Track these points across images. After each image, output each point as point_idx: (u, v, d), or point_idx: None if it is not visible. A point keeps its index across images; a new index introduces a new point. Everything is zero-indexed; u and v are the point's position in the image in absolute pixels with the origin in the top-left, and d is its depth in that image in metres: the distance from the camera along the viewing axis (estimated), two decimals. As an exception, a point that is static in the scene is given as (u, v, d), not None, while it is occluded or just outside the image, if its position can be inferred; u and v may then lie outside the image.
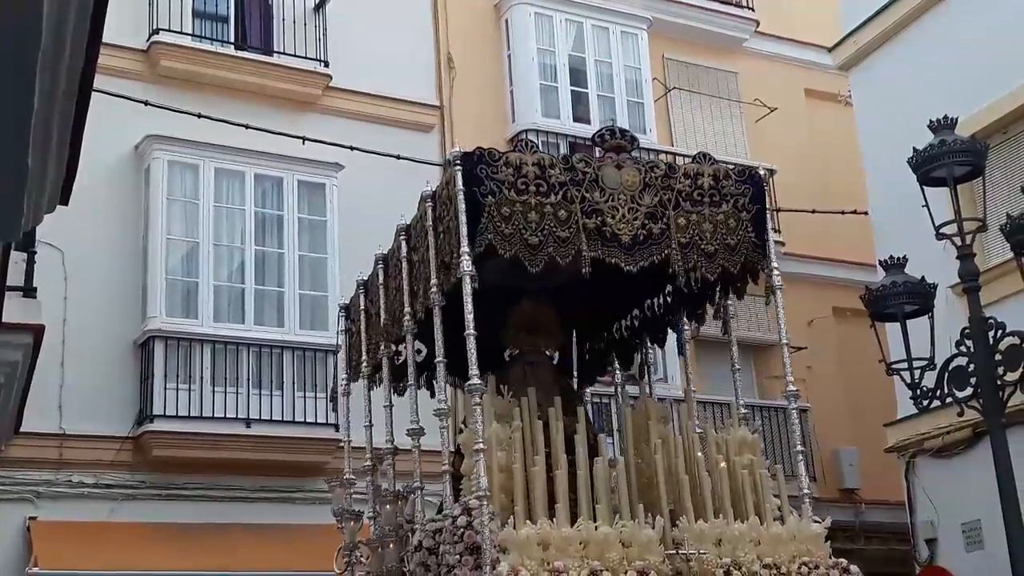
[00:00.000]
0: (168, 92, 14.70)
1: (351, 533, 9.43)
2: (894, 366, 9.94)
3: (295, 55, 15.96)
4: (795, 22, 19.87)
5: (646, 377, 9.73)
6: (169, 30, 15.19)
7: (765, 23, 19.66)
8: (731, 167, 8.41)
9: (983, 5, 13.86)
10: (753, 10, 19.69)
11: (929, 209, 9.69)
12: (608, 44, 17.95)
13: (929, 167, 9.60)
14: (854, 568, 7.74)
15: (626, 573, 6.95)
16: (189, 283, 14.50)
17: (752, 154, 18.18)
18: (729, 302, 8.86)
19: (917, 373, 9.65)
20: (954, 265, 9.68)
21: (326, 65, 16.05)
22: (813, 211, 16.07)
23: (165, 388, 13.89)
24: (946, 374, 9.50)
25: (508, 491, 7.37)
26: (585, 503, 7.32)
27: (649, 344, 9.77)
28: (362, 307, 9.63)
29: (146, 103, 13.70)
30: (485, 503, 7.09)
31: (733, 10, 19.61)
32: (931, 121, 9.76)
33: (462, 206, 7.46)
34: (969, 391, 9.33)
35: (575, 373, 9.89)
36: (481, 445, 7.25)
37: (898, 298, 9.77)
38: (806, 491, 8.10)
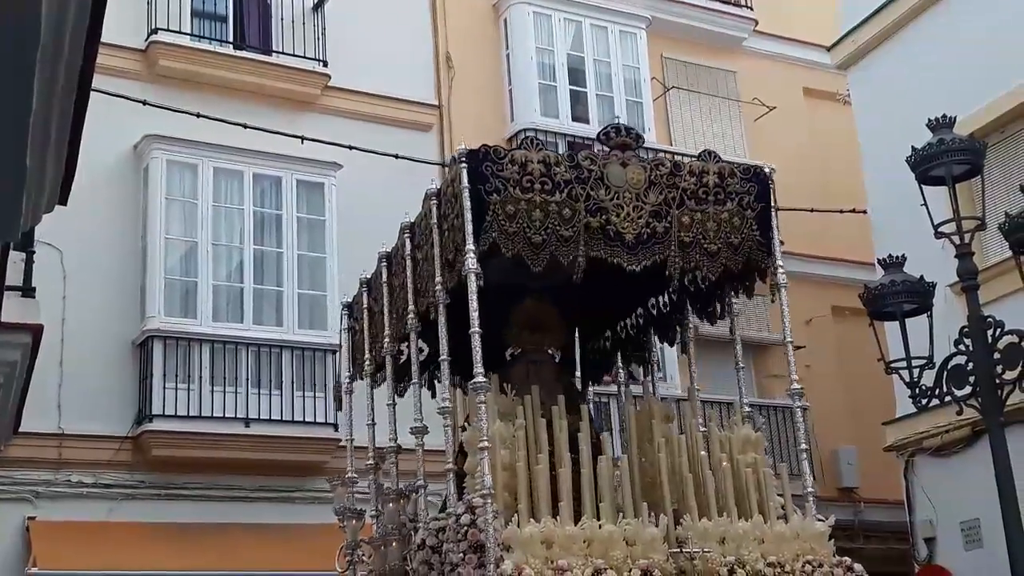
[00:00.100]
0: (167, 92, 14.70)
1: (353, 532, 9.43)
2: (893, 365, 9.95)
3: (294, 55, 15.97)
4: (794, 21, 19.87)
5: (651, 376, 9.73)
6: (168, 30, 15.19)
7: (764, 22, 19.67)
8: (737, 165, 8.40)
9: (981, 5, 13.87)
10: (752, 9, 19.70)
11: (928, 208, 9.70)
12: (607, 43, 17.95)
13: (928, 166, 9.61)
14: (858, 567, 7.74)
15: (630, 571, 6.95)
16: (188, 283, 14.50)
17: (751, 153, 18.17)
18: (734, 301, 8.87)
19: (916, 372, 9.65)
20: (953, 264, 9.68)
21: (325, 65, 16.05)
22: (812, 210, 16.06)
23: (164, 388, 13.89)
24: (945, 373, 9.51)
25: (512, 489, 7.36)
26: (589, 501, 7.31)
27: (657, 342, 9.76)
28: (365, 305, 9.61)
29: (145, 103, 13.70)
30: (489, 501, 7.09)
31: (732, 9, 19.63)
32: (930, 120, 9.76)
33: (467, 204, 7.45)
34: (968, 390, 9.34)
35: (578, 372, 9.89)
36: (486, 443, 7.25)
37: (897, 297, 9.77)
38: (810, 489, 8.10)
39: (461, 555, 7.10)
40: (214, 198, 14.85)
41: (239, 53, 15.94)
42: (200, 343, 14.21)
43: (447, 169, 8.01)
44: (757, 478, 7.95)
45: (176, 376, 13.98)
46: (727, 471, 7.89)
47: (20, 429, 11.69)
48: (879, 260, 10.48)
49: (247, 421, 14.20)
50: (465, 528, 7.13)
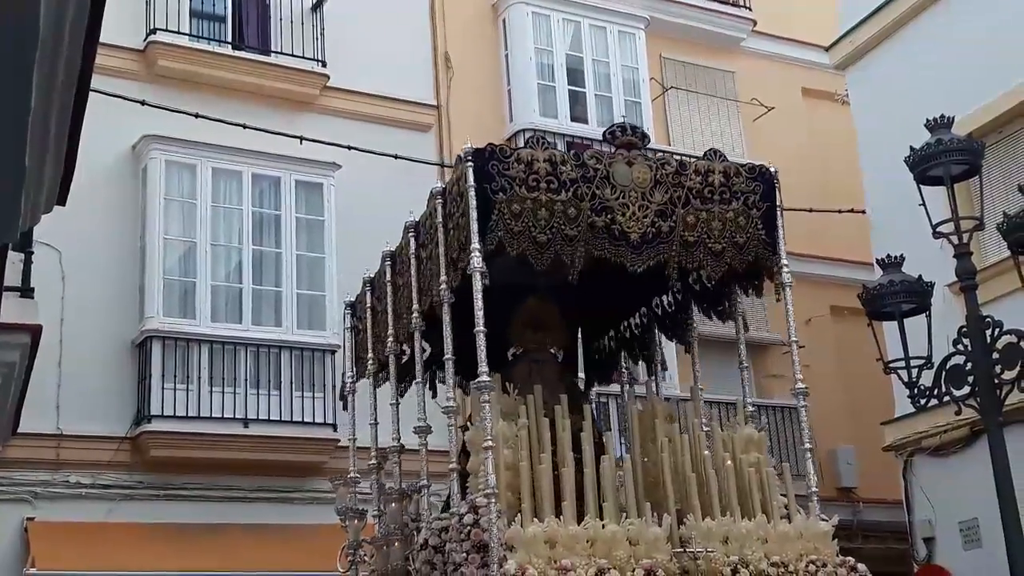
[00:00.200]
0: (165, 92, 14.69)
1: (355, 531, 9.43)
2: (891, 365, 9.95)
3: (292, 55, 15.96)
4: (792, 22, 19.87)
5: (654, 375, 9.73)
6: (166, 30, 15.19)
7: (762, 23, 19.67)
8: (742, 165, 8.40)
9: (980, 5, 13.88)
10: (750, 9, 19.71)
11: (926, 208, 9.70)
12: (606, 44, 17.95)
13: (926, 166, 9.60)
14: (861, 567, 7.75)
15: (633, 571, 6.95)
16: (186, 283, 14.50)
17: (749, 153, 18.17)
18: (739, 300, 8.89)
19: (914, 372, 9.65)
20: (951, 264, 9.68)
21: (324, 65, 16.05)
22: (811, 210, 16.06)
23: (163, 388, 13.89)
24: (943, 373, 9.51)
25: (515, 489, 7.35)
26: (592, 501, 7.31)
27: (660, 342, 9.76)
28: (368, 304, 9.61)
29: (143, 103, 13.69)
30: (493, 501, 7.09)
31: (730, 9, 19.63)
32: (928, 120, 9.77)
33: (473, 202, 7.44)
34: (966, 390, 9.33)
35: (581, 371, 9.89)
36: (490, 443, 7.25)
37: (895, 297, 9.77)
38: (814, 489, 8.11)
39: (464, 555, 7.09)
40: (213, 198, 14.84)
41: (238, 53, 15.94)
42: (199, 343, 14.20)
43: (453, 168, 7.98)
44: (760, 478, 7.95)
45: (175, 376, 13.98)
46: (730, 471, 7.89)
47: (19, 429, 11.68)
48: (878, 260, 10.48)
49: (246, 421, 14.20)
50: (468, 528, 7.12)
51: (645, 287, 8.92)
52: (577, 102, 17.53)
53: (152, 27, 15.16)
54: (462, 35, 17.45)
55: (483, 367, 7.36)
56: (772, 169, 8.32)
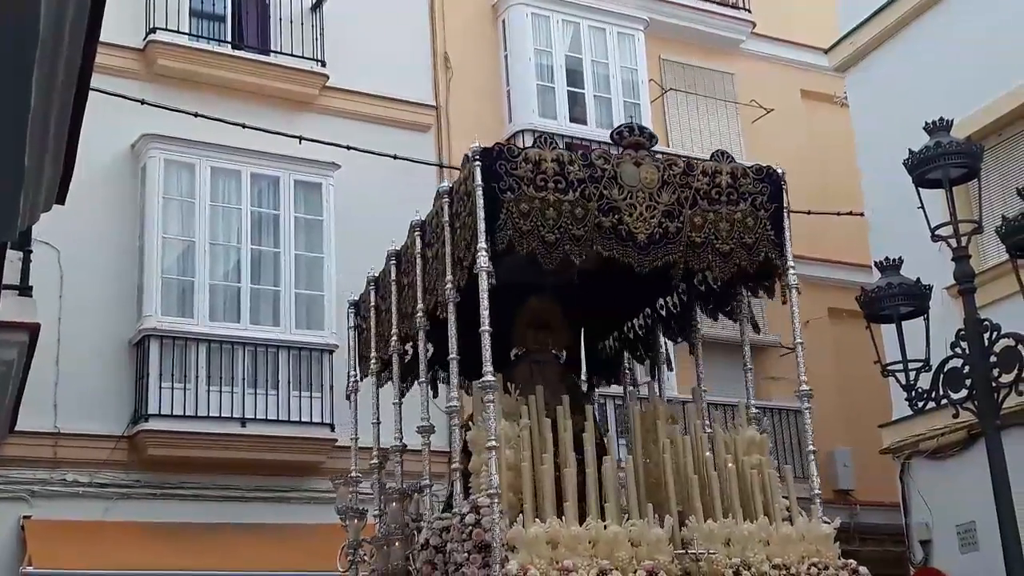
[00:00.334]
0: (165, 91, 14.70)
1: (355, 531, 9.43)
2: (889, 367, 9.93)
3: (292, 55, 15.96)
4: (792, 24, 19.88)
5: (657, 377, 9.73)
6: (166, 29, 15.19)
7: (762, 24, 19.68)
8: (750, 166, 8.41)
9: (979, 7, 13.88)
10: (750, 11, 19.71)
11: (925, 211, 9.69)
12: (605, 45, 17.95)
13: (925, 169, 9.60)
14: (863, 569, 7.75)
15: (635, 572, 6.95)
16: (185, 282, 14.49)
17: (748, 155, 18.16)
18: (740, 302, 8.90)
19: (912, 375, 9.64)
20: (950, 267, 9.67)
21: (323, 65, 16.05)
22: (809, 212, 16.06)
23: (160, 387, 13.89)
24: (941, 376, 9.49)
25: (516, 489, 7.35)
26: (594, 502, 7.31)
27: (666, 342, 9.76)
28: (372, 304, 9.61)
29: (143, 102, 13.70)
30: (496, 501, 7.09)
31: (730, 11, 19.63)
32: (927, 123, 9.76)
33: (480, 202, 7.44)
34: (964, 393, 9.32)
35: (584, 372, 9.90)
36: (493, 442, 7.24)
37: (894, 299, 9.76)
38: (817, 491, 8.11)
39: (466, 555, 7.09)
40: (211, 198, 14.84)
41: (237, 53, 15.94)
42: (197, 343, 14.20)
43: (460, 167, 7.98)
44: (762, 480, 7.95)
45: (172, 376, 13.97)
46: (732, 472, 7.89)
47: (16, 428, 11.71)
48: (876, 262, 10.47)
49: (244, 421, 14.20)
50: (470, 528, 7.13)
51: (649, 288, 8.92)
52: (576, 103, 17.53)
53: (152, 26, 15.16)
54: (462, 36, 17.46)
55: (488, 367, 7.36)
56: (780, 171, 8.33)
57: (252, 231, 15.01)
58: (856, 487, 17.74)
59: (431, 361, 8.94)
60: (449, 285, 7.82)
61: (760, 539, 7.52)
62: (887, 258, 10.02)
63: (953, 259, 9.56)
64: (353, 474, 9.74)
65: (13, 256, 9.62)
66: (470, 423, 8.08)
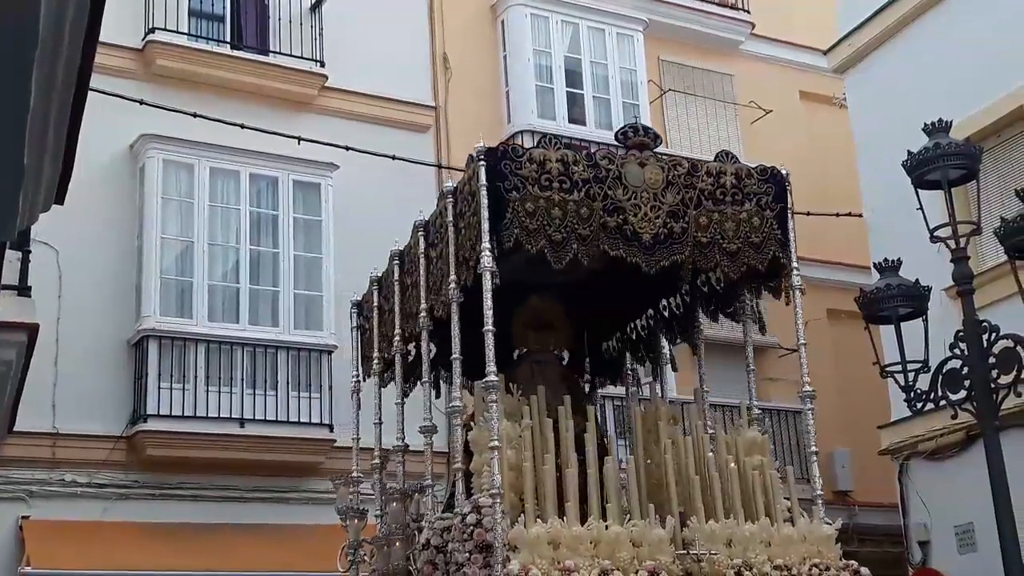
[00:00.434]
0: (163, 91, 14.69)
1: (355, 531, 9.43)
2: (888, 368, 9.94)
3: (291, 55, 15.96)
4: (791, 25, 19.89)
5: (659, 377, 9.74)
6: (165, 29, 15.18)
7: (761, 25, 19.68)
8: (754, 166, 8.43)
9: (979, 8, 13.88)
10: (749, 12, 19.71)
11: (923, 212, 9.69)
12: (604, 46, 17.95)
13: (923, 170, 9.60)
14: (864, 571, 7.75)
15: (637, 573, 6.96)
16: (184, 282, 14.49)
17: (747, 157, 18.06)
18: (743, 302, 8.91)
19: (911, 376, 9.65)
20: (948, 268, 9.68)
21: (322, 65, 16.04)
22: (808, 213, 16.06)
23: (159, 387, 13.88)
24: (940, 377, 9.50)
25: (518, 489, 7.36)
26: (596, 502, 7.31)
27: (668, 343, 9.77)
28: (375, 304, 9.61)
29: (141, 102, 13.68)
30: (498, 500, 7.09)
31: (729, 12, 19.64)
32: (926, 124, 9.77)
33: (484, 202, 7.45)
34: (963, 394, 9.33)
35: (587, 373, 9.91)
36: (495, 442, 7.24)
37: (892, 300, 9.76)
38: (819, 492, 8.12)
39: (467, 555, 7.09)
40: (210, 198, 14.84)
41: (236, 53, 15.93)
42: (196, 343, 14.20)
43: (464, 167, 7.99)
44: (764, 481, 7.95)
45: (171, 376, 13.97)
46: (734, 473, 7.89)
47: (15, 428, 11.70)
48: (875, 264, 10.48)
49: (242, 421, 14.20)
50: (471, 528, 7.13)
51: (651, 289, 8.93)
52: (575, 104, 17.53)
53: (151, 26, 15.16)
54: (461, 36, 17.45)
55: (491, 366, 7.36)
56: (784, 171, 8.35)
57: (251, 231, 15.01)
58: (855, 488, 17.74)
59: (434, 362, 8.95)
60: (453, 285, 7.83)
61: (762, 540, 7.52)
62: (886, 259, 10.02)
63: (952, 260, 9.56)
64: (355, 474, 9.75)
65: (12, 256, 9.63)
66: (471, 423, 8.08)
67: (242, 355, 14.42)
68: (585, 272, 7.84)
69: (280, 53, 15.96)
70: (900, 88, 14.75)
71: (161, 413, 13.83)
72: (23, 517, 13.25)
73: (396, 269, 9.13)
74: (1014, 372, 9.09)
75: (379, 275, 9.63)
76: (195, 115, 13.84)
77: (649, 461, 8.19)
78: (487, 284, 7.38)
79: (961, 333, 9.38)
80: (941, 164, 9.51)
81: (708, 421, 8.67)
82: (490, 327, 7.37)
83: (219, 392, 14.14)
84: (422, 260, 8.51)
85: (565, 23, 17.80)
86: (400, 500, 8.80)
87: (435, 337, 8.62)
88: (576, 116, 17.41)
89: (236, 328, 14.51)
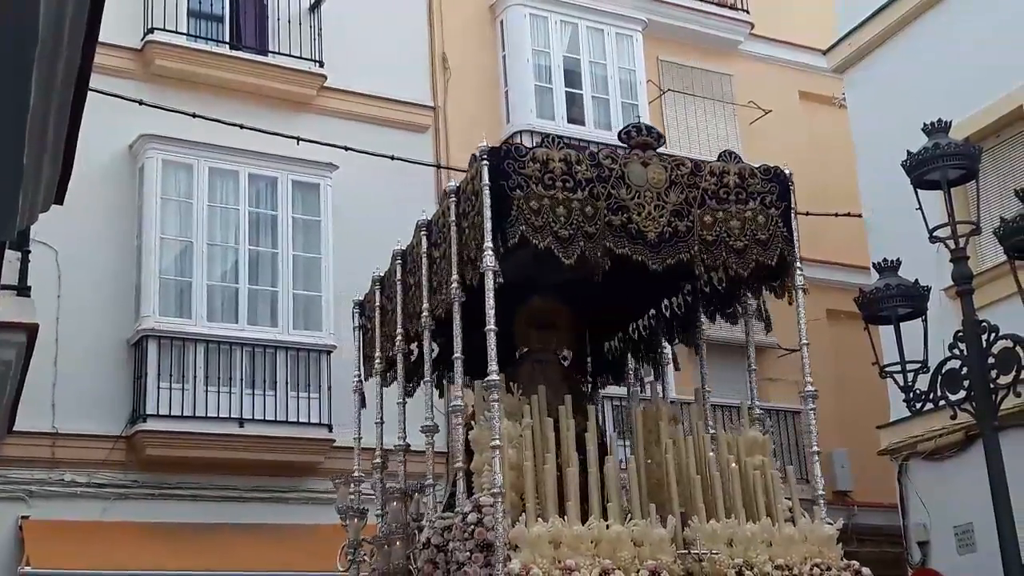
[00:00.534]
0: (163, 91, 14.69)
1: (355, 531, 9.43)
2: (887, 369, 9.95)
3: (290, 55, 15.95)
4: (790, 25, 19.88)
5: (661, 377, 9.75)
6: (164, 29, 15.18)
7: (760, 26, 19.68)
8: (757, 166, 8.45)
9: (978, 8, 13.89)
10: (748, 12, 19.71)
11: (923, 212, 9.70)
12: (603, 46, 17.95)
13: (923, 170, 9.61)
14: (866, 571, 7.76)
15: (638, 572, 6.97)
16: (183, 282, 14.48)
17: (746, 157, 17.92)
18: (743, 303, 8.92)
19: (910, 376, 9.65)
20: (948, 268, 9.68)
21: (321, 65, 16.04)
22: (807, 213, 16.05)
23: (158, 387, 13.88)
24: (939, 377, 9.50)
25: (518, 489, 7.37)
26: (597, 501, 7.32)
27: (669, 343, 9.78)
28: (378, 303, 9.62)
29: (140, 102, 13.68)
30: (500, 500, 7.09)
31: (728, 12, 19.63)
32: (925, 124, 9.77)
33: (487, 200, 7.46)
34: (962, 394, 9.33)
35: (589, 373, 9.91)
36: (497, 441, 7.25)
37: (892, 301, 9.77)
38: (820, 492, 8.12)
39: (468, 554, 7.10)
40: (209, 198, 14.83)
41: (235, 53, 15.92)
42: (195, 343, 14.19)
43: (467, 167, 8.00)
44: (765, 480, 7.95)
45: (171, 376, 13.96)
46: (735, 473, 7.89)
47: (14, 428, 11.68)
48: (874, 264, 10.48)
49: (241, 421, 14.20)
50: (472, 527, 7.13)
51: (653, 289, 8.93)
52: (574, 104, 17.52)
53: (150, 26, 15.15)
54: (460, 36, 17.45)
55: (493, 366, 7.37)
56: (787, 171, 8.38)
57: (250, 231, 15.00)
58: (854, 488, 17.74)
59: (436, 361, 8.95)
60: (455, 284, 7.83)
61: (763, 540, 7.53)
62: (885, 259, 10.03)
63: (951, 260, 9.57)
64: (356, 474, 9.76)
65: (11, 256, 9.62)
66: (472, 422, 8.09)
67: (241, 355, 14.42)
68: (587, 271, 7.84)
69: (279, 53, 15.95)
70: (900, 88, 14.75)
71: (160, 413, 13.82)
72: (23, 517, 13.25)
73: (398, 269, 9.14)
74: (1013, 372, 9.09)
75: (381, 275, 9.63)
76: (194, 115, 13.84)
77: (650, 461, 8.19)
78: (489, 283, 7.40)
79: (960, 333, 9.38)
80: (940, 164, 9.51)
81: (709, 421, 8.67)
82: (492, 326, 7.37)
83: (218, 392, 14.14)
84: (424, 260, 8.52)
85: (564, 23, 17.79)
86: (400, 499, 8.81)
87: (438, 336, 8.63)
88: (575, 116, 17.41)
89: (235, 328, 14.51)
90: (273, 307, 14.87)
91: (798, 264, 8.29)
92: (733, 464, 7.95)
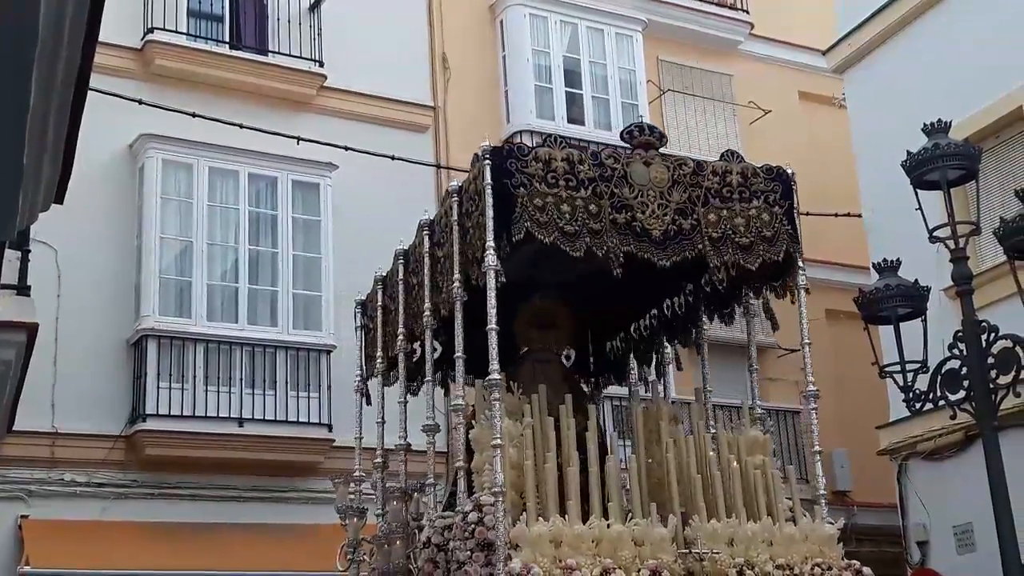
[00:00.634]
0: (162, 91, 14.70)
1: (354, 530, 9.43)
2: (887, 369, 9.95)
3: (290, 55, 15.95)
4: (790, 25, 19.88)
5: (662, 377, 9.75)
6: (164, 29, 15.18)
7: (760, 26, 19.69)
8: (760, 166, 8.46)
9: (978, 8, 13.89)
10: (748, 13, 19.71)
11: (923, 212, 9.70)
12: (603, 46, 17.95)
13: (922, 170, 9.61)
14: (867, 570, 7.76)
15: (639, 571, 6.97)
16: (183, 282, 14.49)
17: (746, 156, 17.93)
18: (744, 303, 8.93)
19: (910, 376, 9.65)
20: (947, 268, 9.68)
21: (321, 65, 16.04)
22: (807, 213, 16.03)
23: (158, 387, 13.88)
24: (939, 377, 9.50)
25: (519, 488, 7.37)
26: (597, 501, 7.32)
27: (669, 344, 9.78)
28: (380, 303, 9.62)
29: (140, 102, 13.70)
30: (500, 499, 7.09)
31: (728, 12, 19.64)
32: (925, 124, 9.77)
33: (490, 200, 7.47)
34: (962, 394, 9.33)
35: (591, 373, 9.91)
36: (498, 440, 7.25)
37: (891, 301, 9.76)
38: (822, 492, 8.13)
39: (468, 553, 7.10)
40: (209, 198, 14.83)
41: (235, 53, 15.92)
42: (195, 342, 14.19)
43: (469, 167, 8.01)
44: (765, 480, 7.95)
45: (170, 375, 13.96)
46: (735, 472, 7.89)
47: (14, 427, 11.68)
48: (874, 264, 10.48)
49: (241, 421, 14.20)
50: (473, 526, 7.14)
51: (654, 289, 8.94)
52: (574, 104, 17.52)
53: (150, 26, 15.15)
54: (459, 36, 17.45)
55: (494, 365, 7.37)
56: (790, 171, 8.39)
57: (250, 231, 15.01)
58: (853, 488, 17.74)
59: (438, 361, 8.96)
60: (457, 283, 7.84)
61: (763, 539, 7.53)
62: (885, 259, 10.03)
63: (951, 260, 9.57)
64: (357, 473, 9.77)
65: (11, 256, 9.61)
66: (473, 421, 8.09)
67: (241, 355, 14.42)
68: (590, 272, 7.85)
69: (279, 53, 15.96)
70: (899, 88, 14.75)
71: (160, 413, 13.82)
72: (22, 516, 13.25)
73: (401, 268, 9.15)
74: (1013, 372, 9.09)
75: (383, 274, 9.64)
76: (194, 115, 13.85)
77: (651, 460, 8.19)
78: (491, 282, 7.40)
79: (960, 333, 9.38)
80: (940, 164, 9.51)
81: (710, 420, 8.67)
82: (493, 325, 7.38)
83: (218, 392, 14.14)
84: (427, 259, 8.53)
85: (564, 23, 17.79)
86: (400, 499, 8.81)
87: (440, 336, 8.63)
88: (575, 116, 17.41)
89: (235, 328, 14.51)
90: (273, 307, 14.87)
91: (801, 265, 8.30)
92: (734, 463, 7.94)
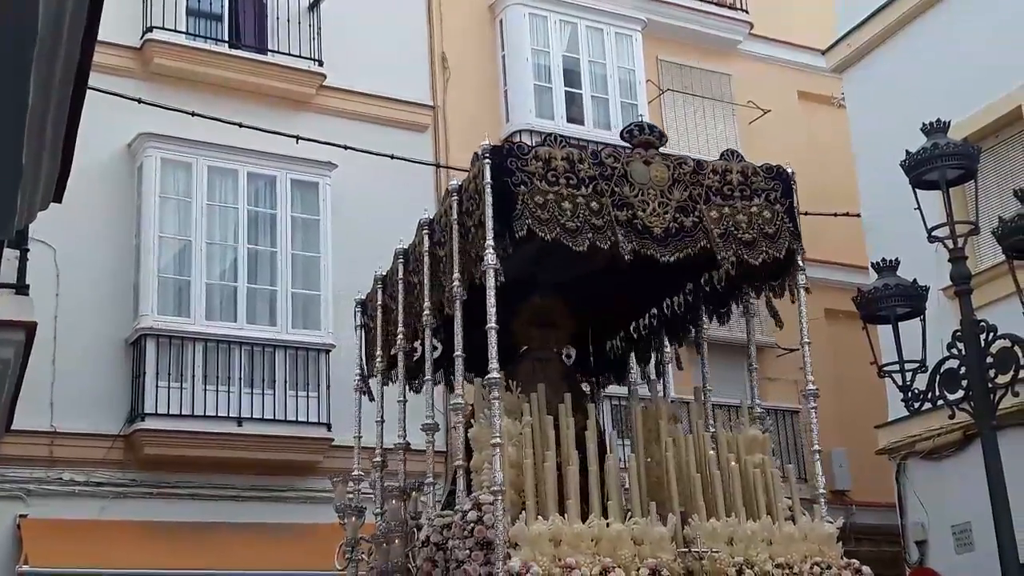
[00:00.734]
0: (161, 90, 14.69)
1: (353, 529, 9.43)
2: (886, 368, 9.95)
3: (289, 54, 15.95)
4: (789, 25, 19.89)
5: (662, 376, 9.75)
6: (163, 28, 15.18)
7: (759, 25, 19.69)
8: (760, 164, 8.47)
9: (978, 8, 13.89)
10: (747, 12, 19.72)
11: (921, 212, 9.70)
12: (602, 45, 17.95)
13: (921, 170, 9.61)
14: (866, 569, 7.76)
15: (638, 570, 6.96)
16: (181, 281, 14.48)
17: (745, 156, 18.01)
18: (744, 302, 8.93)
19: (909, 375, 9.65)
20: (946, 268, 9.68)
21: (320, 64, 16.04)
22: (806, 213, 16.04)
23: (157, 386, 13.87)
24: (937, 376, 9.51)
25: (518, 487, 7.37)
26: (597, 500, 7.32)
27: (669, 343, 9.79)
28: (380, 302, 9.63)
29: (139, 101, 13.69)
30: (500, 497, 7.09)
31: (727, 12, 19.64)
32: (924, 124, 9.77)
33: (489, 199, 7.48)
34: (960, 394, 9.33)
35: (591, 372, 9.91)
36: (497, 439, 7.25)
37: (890, 300, 9.77)
38: (821, 491, 8.13)
39: (467, 552, 7.10)
40: (208, 197, 14.83)
41: (234, 52, 15.93)
42: (193, 342, 14.19)
43: (471, 165, 8.02)
44: (765, 479, 7.95)
45: (169, 375, 13.96)
46: (735, 471, 7.89)
47: (12, 427, 11.67)
48: (873, 264, 10.48)
49: (240, 420, 14.19)
50: (472, 525, 7.13)
51: (654, 288, 8.94)
52: (573, 103, 17.53)
53: (149, 25, 15.15)
54: (459, 36, 17.45)
55: (493, 364, 7.38)
56: (790, 170, 8.41)
57: (249, 230, 15.00)
58: (852, 488, 17.74)
59: (438, 360, 8.96)
60: (457, 282, 7.84)
61: (763, 538, 7.53)
62: (884, 259, 10.03)
63: (950, 260, 9.57)
64: (356, 472, 9.77)
65: (10, 254, 9.62)
66: (472, 420, 8.09)
67: (240, 354, 14.42)
68: (591, 271, 7.85)
69: (278, 52, 15.96)
70: (899, 88, 14.76)
71: (159, 412, 13.82)
72: (21, 516, 13.24)
73: (400, 267, 9.15)
74: (1011, 372, 9.10)
75: (383, 274, 9.65)
76: (193, 114, 13.85)
77: (650, 459, 8.19)
78: (490, 281, 7.41)
79: (959, 333, 9.39)
80: (939, 164, 9.52)
81: (709, 419, 8.68)
82: (493, 324, 7.39)
83: (217, 391, 14.14)
84: (426, 259, 8.53)
85: (563, 23, 17.80)
86: (399, 498, 8.81)
87: (440, 335, 8.63)
88: (574, 116, 17.41)
89: (234, 327, 14.51)
90: (272, 306, 14.87)
91: (801, 265, 8.31)
92: (733, 462, 7.94)
